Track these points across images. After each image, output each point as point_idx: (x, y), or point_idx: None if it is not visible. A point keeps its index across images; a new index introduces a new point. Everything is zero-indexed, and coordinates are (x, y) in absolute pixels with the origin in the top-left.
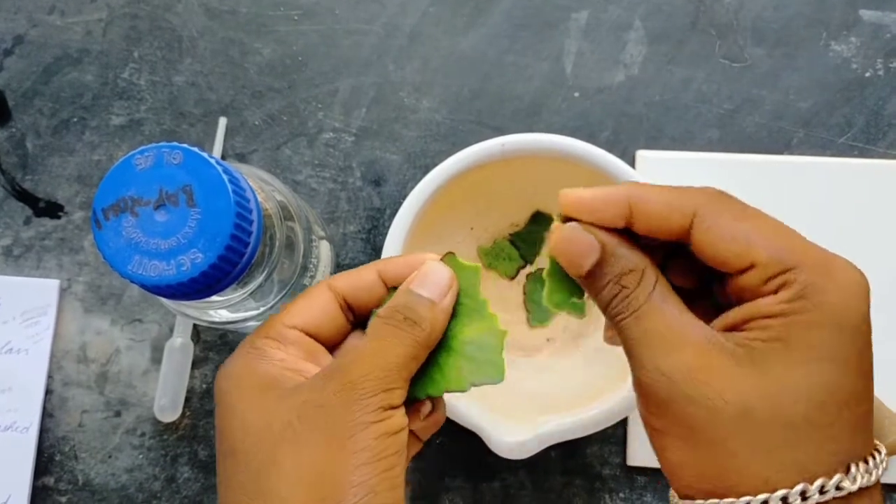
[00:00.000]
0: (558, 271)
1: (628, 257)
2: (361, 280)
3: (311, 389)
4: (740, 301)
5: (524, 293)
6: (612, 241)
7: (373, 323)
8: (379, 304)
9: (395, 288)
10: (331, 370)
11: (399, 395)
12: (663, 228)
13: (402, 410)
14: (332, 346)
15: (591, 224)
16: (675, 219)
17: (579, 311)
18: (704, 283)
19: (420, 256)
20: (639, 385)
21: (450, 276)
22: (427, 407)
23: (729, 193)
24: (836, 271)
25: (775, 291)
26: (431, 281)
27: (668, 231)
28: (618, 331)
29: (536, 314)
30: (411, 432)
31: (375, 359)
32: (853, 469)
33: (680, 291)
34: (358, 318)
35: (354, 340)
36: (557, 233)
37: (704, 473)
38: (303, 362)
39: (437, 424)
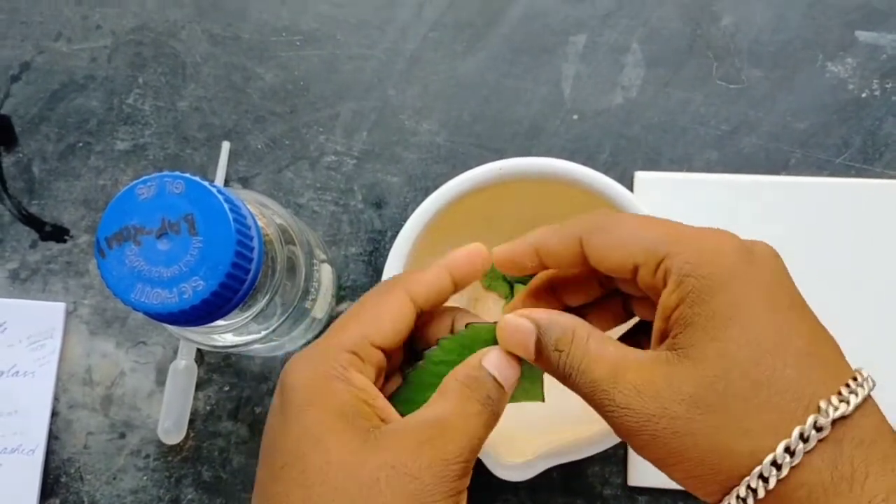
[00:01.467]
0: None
1: (557, 323)
2: (437, 284)
3: (400, 451)
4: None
5: None
6: (541, 316)
7: (457, 391)
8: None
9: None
10: (424, 438)
11: (471, 468)
12: (565, 261)
13: (468, 481)
14: (392, 352)
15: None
16: (569, 248)
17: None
18: None
19: (474, 252)
20: (614, 428)
21: (518, 369)
22: None
23: (611, 212)
24: (704, 243)
25: (665, 284)
26: (505, 368)
27: (570, 262)
28: (575, 391)
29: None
30: None
31: (464, 437)
32: (822, 405)
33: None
34: (423, 317)
35: (432, 408)
36: (501, 328)
37: (705, 477)
38: (375, 396)
39: None
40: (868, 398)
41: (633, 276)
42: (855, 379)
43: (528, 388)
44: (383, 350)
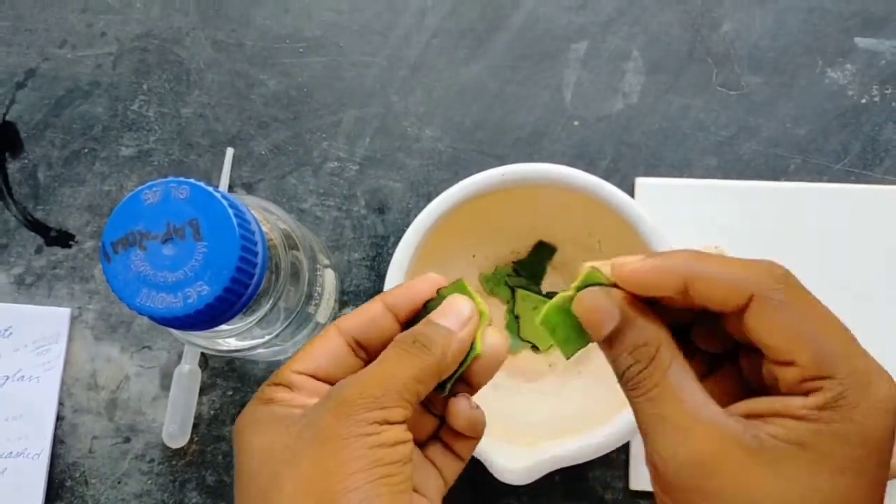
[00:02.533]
0: (568, 319)
1: (645, 330)
2: (367, 315)
3: (310, 413)
4: (769, 387)
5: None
6: (631, 312)
7: (385, 349)
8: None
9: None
10: (330, 392)
11: (398, 413)
12: (717, 306)
13: (404, 427)
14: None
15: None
16: (731, 299)
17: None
18: (732, 351)
19: (421, 279)
20: (650, 464)
21: (470, 307)
22: (464, 403)
23: (790, 274)
24: (871, 387)
25: (807, 393)
26: (452, 312)
27: (720, 308)
28: (631, 405)
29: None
30: (451, 449)
31: (373, 379)
32: None
33: (703, 353)
34: (372, 355)
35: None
36: (582, 296)
37: None
38: (310, 399)
39: (475, 431)
40: None
41: (775, 361)
42: None
43: (569, 336)
44: (316, 377)
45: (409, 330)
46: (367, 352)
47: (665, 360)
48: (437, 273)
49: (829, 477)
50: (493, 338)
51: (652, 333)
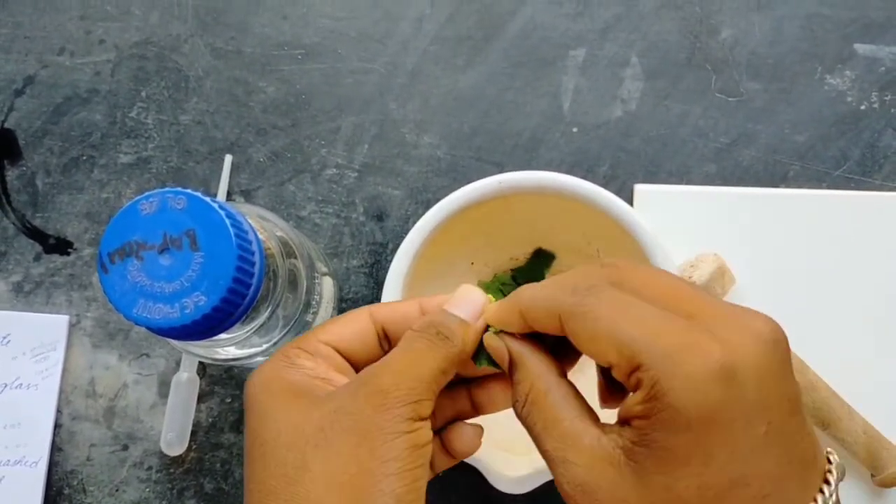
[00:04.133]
0: None
1: (522, 368)
2: (402, 311)
3: (342, 396)
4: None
5: None
6: (515, 348)
7: (406, 336)
8: None
9: None
10: (362, 378)
11: (427, 407)
12: (552, 331)
13: (429, 424)
14: (359, 364)
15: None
16: (552, 324)
17: None
18: None
19: (467, 294)
20: (563, 496)
21: (484, 299)
22: (469, 432)
23: (590, 283)
24: (680, 363)
25: (635, 389)
26: (466, 302)
27: (557, 332)
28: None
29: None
30: (446, 448)
31: (407, 369)
32: None
33: None
34: (392, 344)
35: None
36: (486, 339)
37: None
38: (332, 372)
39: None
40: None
41: (605, 366)
42: (822, 492)
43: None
44: (339, 352)
45: (428, 319)
46: (389, 344)
47: (540, 391)
48: (437, 280)
49: (679, 472)
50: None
51: (527, 370)
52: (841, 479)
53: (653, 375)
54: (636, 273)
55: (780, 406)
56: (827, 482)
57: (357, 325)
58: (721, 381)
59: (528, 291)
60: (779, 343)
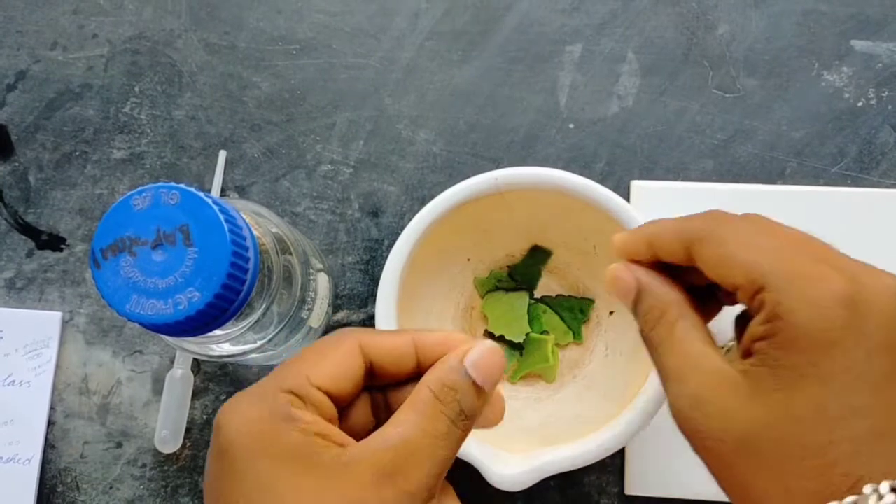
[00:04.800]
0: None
1: (655, 295)
2: (396, 349)
3: (364, 485)
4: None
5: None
6: (645, 279)
7: (425, 410)
8: (404, 377)
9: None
10: (388, 468)
11: (436, 496)
12: (676, 259)
13: None
14: (342, 405)
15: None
16: (680, 250)
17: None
18: None
19: (457, 337)
20: (671, 414)
21: (502, 366)
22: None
23: (724, 212)
24: (805, 287)
25: (758, 310)
26: (490, 368)
27: (681, 261)
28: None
29: None
30: None
31: (432, 462)
32: (867, 490)
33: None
34: (375, 380)
35: (397, 426)
36: (608, 273)
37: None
38: (328, 425)
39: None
40: None
41: (730, 291)
42: None
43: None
44: (329, 395)
45: (448, 380)
46: (374, 378)
47: (671, 319)
48: (432, 277)
49: (797, 389)
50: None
51: (661, 297)
52: None
53: (776, 296)
54: (768, 219)
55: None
56: None
57: (347, 363)
58: (845, 308)
59: (657, 222)
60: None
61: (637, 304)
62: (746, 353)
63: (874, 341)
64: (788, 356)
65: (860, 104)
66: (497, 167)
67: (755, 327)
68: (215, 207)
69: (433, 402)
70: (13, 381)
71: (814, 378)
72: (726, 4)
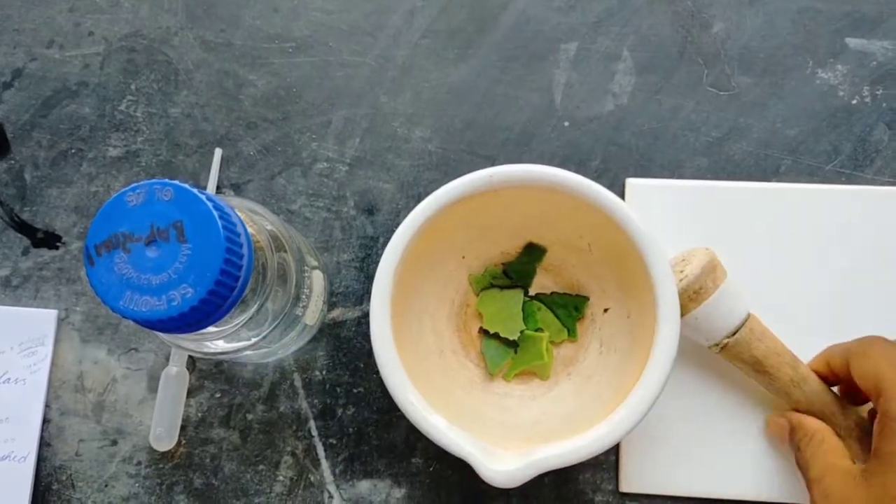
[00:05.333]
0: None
1: (804, 427)
2: None
3: None
4: None
5: (480, 348)
6: (795, 418)
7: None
8: None
9: None
10: None
11: None
12: (842, 371)
13: None
14: None
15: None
16: (843, 364)
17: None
18: None
19: None
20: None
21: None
22: None
23: (879, 337)
24: None
25: (876, 412)
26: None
27: (845, 373)
28: (801, 474)
29: (491, 364)
30: None
31: None
32: None
33: None
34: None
35: None
36: (769, 420)
37: None
38: None
39: None
40: None
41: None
42: None
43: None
44: None
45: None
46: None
47: (818, 441)
48: (427, 274)
49: (891, 472)
50: None
51: (812, 425)
52: None
53: (886, 402)
54: None
55: None
56: None
57: None
58: None
59: (831, 347)
60: None
61: (792, 436)
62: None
63: None
64: (889, 445)
65: (854, 102)
66: (492, 165)
67: (875, 425)
68: (209, 204)
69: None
70: (8, 379)
71: None
72: (721, 2)
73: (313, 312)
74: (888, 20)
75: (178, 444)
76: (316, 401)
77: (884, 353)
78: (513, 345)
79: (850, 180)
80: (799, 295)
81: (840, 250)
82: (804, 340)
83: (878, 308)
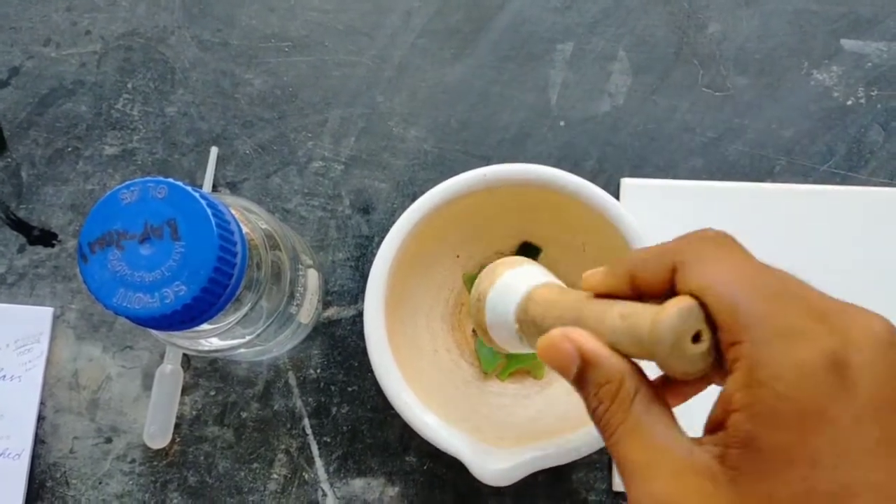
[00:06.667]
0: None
1: (606, 367)
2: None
3: None
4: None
5: (474, 347)
6: (590, 346)
7: None
8: None
9: None
10: None
11: None
12: (658, 289)
13: None
14: None
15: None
16: (662, 276)
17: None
18: None
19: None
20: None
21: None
22: None
23: (717, 234)
24: (792, 346)
25: (733, 369)
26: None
27: (658, 289)
28: (608, 449)
29: (485, 363)
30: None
31: None
32: None
33: None
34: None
35: None
36: (541, 342)
37: None
38: None
39: None
40: None
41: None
42: None
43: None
44: None
45: None
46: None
47: (628, 394)
48: (422, 273)
49: (779, 475)
50: None
51: (613, 369)
52: None
53: (756, 355)
54: (742, 247)
55: (890, 423)
56: None
57: None
58: (831, 370)
59: (638, 251)
60: (894, 346)
61: (582, 379)
62: (718, 425)
63: (862, 406)
64: (773, 434)
65: (849, 103)
66: (488, 165)
67: (731, 392)
68: (203, 202)
69: None
70: (3, 376)
71: (801, 459)
72: (717, 3)
73: (308, 311)
74: (883, 22)
75: (173, 441)
76: (310, 399)
77: (735, 271)
78: None
79: (844, 181)
80: None
81: (834, 251)
82: None
83: (872, 308)
